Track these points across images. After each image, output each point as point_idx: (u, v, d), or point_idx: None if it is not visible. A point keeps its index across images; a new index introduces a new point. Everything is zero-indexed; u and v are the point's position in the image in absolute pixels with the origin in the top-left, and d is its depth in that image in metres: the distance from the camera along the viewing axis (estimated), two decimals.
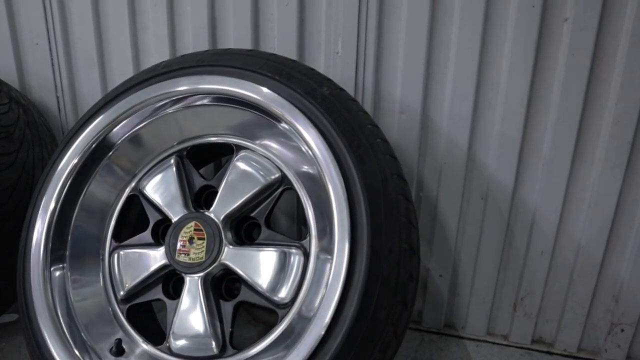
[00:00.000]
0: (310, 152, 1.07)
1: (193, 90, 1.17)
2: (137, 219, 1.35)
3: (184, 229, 1.17)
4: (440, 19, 1.36)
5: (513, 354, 1.56)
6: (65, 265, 1.23)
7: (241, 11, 1.48)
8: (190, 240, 1.16)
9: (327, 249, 1.12)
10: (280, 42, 1.49)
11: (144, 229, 1.28)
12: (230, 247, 1.15)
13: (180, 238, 1.17)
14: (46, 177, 1.24)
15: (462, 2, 1.33)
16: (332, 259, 1.01)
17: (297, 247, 1.13)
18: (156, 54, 1.62)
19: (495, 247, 1.52)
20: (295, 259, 1.12)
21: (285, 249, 1.13)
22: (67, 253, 1.23)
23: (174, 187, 1.23)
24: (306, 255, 1.13)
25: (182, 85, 1.17)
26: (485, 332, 1.63)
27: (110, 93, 1.25)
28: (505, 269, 1.54)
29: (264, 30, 1.50)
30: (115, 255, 1.26)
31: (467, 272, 1.57)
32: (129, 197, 1.31)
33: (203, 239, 1.15)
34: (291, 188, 1.18)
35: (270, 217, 1.19)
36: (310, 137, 1.06)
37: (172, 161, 1.26)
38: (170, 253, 1.17)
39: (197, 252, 1.14)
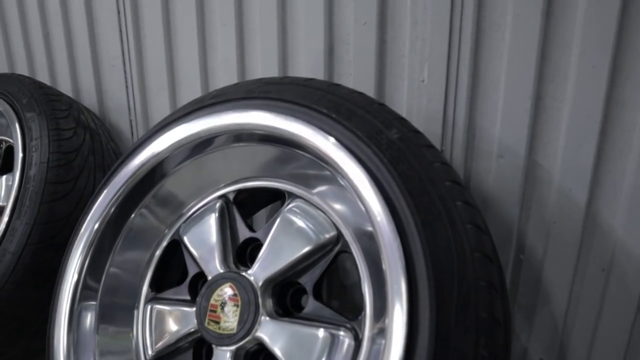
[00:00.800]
0: (367, 214, 0.84)
1: (237, 127, 0.98)
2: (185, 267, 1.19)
3: (218, 291, 0.98)
4: (555, 40, 1.07)
5: None
6: (94, 313, 1.10)
7: (313, 30, 1.29)
8: (223, 305, 0.97)
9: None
10: (356, 68, 1.27)
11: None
12: (268, 318, 0.95)
13: (212, 301, 0.98)
14: (86, 211, 1.12)
15: (586, 17, 1.02)
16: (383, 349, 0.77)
17: (347, 328, 0.90)
18: (225, 76, 1.47)
19: (618, 334, 1.17)
20: (344, 344, 0.89)
21: (333, 330, 0.90)
22: (98, 300, 1.10)
23: (213, 237, 1.05)
24: (357, 338, 0.89)
25: (226, 121, 0.99)
26: None
27: (154, 127, 1.11)
28: None
29: (339, 53, 1.29)
30: (149, 308, 1.11)
31: None
32: (171, 242, 1.16)
33: (237, 305, 0.96)
34: (347, 251, 0.95)
35: (322, 285, 0.97)
36: (368, 196, 0.83)
37: (217, 206, 1.09)
38: (200, 317, 0.99)
39: (229, 321, 0.96)
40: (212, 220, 1.07)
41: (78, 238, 1.08)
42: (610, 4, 1.00)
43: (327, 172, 0.95)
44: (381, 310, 0.89)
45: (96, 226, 1.08)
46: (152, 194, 1.10)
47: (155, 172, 1.08)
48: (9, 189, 1.53)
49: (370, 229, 0.91)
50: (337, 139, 0.88)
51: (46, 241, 1.33)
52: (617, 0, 0.98)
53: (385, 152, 0.85)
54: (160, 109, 1.63)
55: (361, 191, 0.84)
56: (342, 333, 0.89)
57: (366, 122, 0.89)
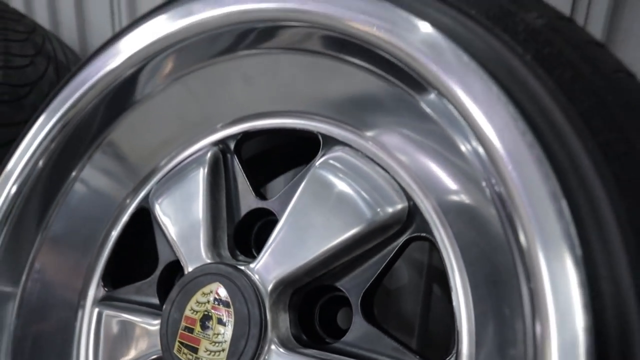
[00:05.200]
0: (492, 171, 0.42)
1: (246, 16, 0.57)
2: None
3: (198, 295, 0.58)
4: None
5: None
6: (12, 322, 0.70)
7: None
8: (205, 320, 0.56)
9: None
10: None
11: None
12: (281, 350, 0.54)
13: (187, 312, 0.58)
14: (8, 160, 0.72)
15: None
16: None
17: None
18: None
19: None
20: None
21: None
22: (17, 304, 0.70)
23: (199, 205, 0.64)
24: None
25: (228, 7, 0.58)
26: None
27: (118, 32, 0.71)
28: None
29: None
30: (96, 312, 0.71)
31: None
32: (139, 211, 0.75)
33: (229, 323, 0.55)
34: (426, 238, 0.54)
35: (375, 294, 0.56)
36: (493, 127, 0.41)
37: (208, 156, 0.68)
38: (166, 338, 0.59)
39: (214, 349, 0.55)
40: (199, 179, 0.66)
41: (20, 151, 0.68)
42: None
43: (399, 98, 0.54)
44: (482, 342, 0.48)
45: (13, 190, 0.68)
46: (106, 137, 0.70)
47: (111, 100, 0.68)
48: None
49: (471, 202, 0.50)
50: (432, 22, 0.46)
51: None
52: None
53: (526, 45, 0.43)
54: None
55: (477, 120, 0.42)
56: None
57: None
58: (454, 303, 0.51)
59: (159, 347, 0.60)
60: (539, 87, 0.41)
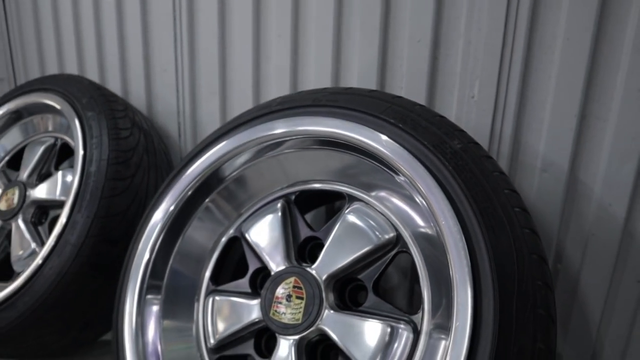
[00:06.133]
0: (433, 218, 0.91)
1: (307, 132, 1.06)
2: (239, 262, 1.26)
3: (283, 284, 1.05)
4: (603, 63, 1.14)
5: None
6: (159, 305, 1.17)
7: (368, 46, 1.37)
8: (288, 297, 1.04)
9: (442, 325, 0.95)
10: (408, 82, 1.35)
11: (243, 274, 1.19)
12: (331, 311, 1.01)
13: (277, 294, 1.05)
14: (153, 206, 1.20)
15: (634, 44, 1.10)
16: (448, 341, 0.84)
17: (406, 321, 0.97)
18: (277, 86, 1.56)
19: None
20: (403, 337, 0.96)
21: (393, 323, 0.97)
22: (162, 295, 1.17)
23: (277, 234, 1.13)
24: (416, 332, 0.96)
25: (296, 126, 1.07)
26: None
27: (217, 131, 1.19)
28: None
29: (392, 67, 1.37)
30: (211, 300, 1.18)
31: None
32: (232, 238, 1.23)
33: (302, 298, 1.03)
34: (406, 251, 1.02)
35: (379, 282, 1.04)
36: (435, 201, 0.90)
37: (279, 205, 1.16)
38: (265, 308, 1.07)
39: (294, 312, 1.03)
40: (276, 219, 1.14)
41: (153, 218, 1.17)
42: None
43: (388, 178, 1.02)
44: (437, 306, 0.96)
45: (172, 207, 1.16)
46: (220, 188, 1.18)
47: (224, 169, 1.16)
48: (65, 184, 1.61)
49: (429, 231, 0.99)
50: (406, 148, 0.95)
51: (105, 234, 1.40)
52: None
53: (450, 161, 0.92)
54: (210, 114, 1.71)
55: (428, 196, 0.91)
56: (401, 326, 0.96)
57: (431, 133, 0.97)
58: (421, 284, 0.99)
59: (258, 315, 1.08)
60: (454, 181, 0.90)
